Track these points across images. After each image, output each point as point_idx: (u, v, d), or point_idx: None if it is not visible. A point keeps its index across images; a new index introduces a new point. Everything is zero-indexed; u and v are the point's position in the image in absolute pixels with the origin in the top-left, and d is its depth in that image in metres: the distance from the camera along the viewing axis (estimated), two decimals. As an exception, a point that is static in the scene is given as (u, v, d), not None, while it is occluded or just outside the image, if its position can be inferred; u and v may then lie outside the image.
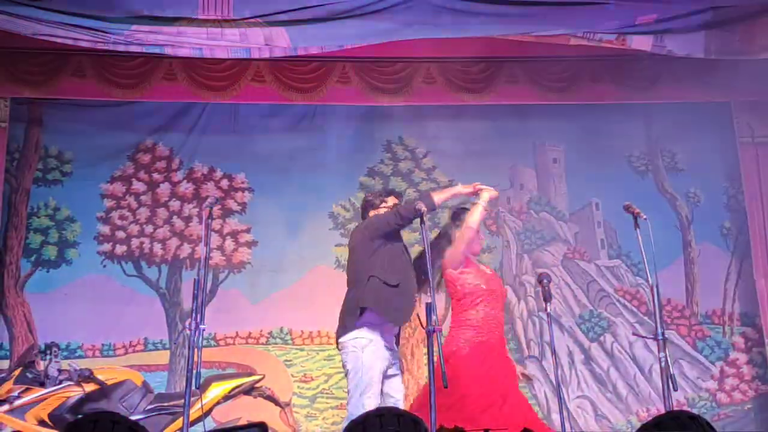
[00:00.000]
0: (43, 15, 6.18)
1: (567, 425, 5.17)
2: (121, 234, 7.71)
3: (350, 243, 5.65)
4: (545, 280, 5.40)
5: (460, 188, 5.74)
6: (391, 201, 5.69)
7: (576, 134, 8.24)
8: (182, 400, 5.00)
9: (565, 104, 8.04)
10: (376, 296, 5.29)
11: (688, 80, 7.72)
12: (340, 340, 5.40)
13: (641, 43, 6.74)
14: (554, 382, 5.37)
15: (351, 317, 5.35)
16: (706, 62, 7.08)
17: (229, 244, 7.78)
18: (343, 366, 5.41)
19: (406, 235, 7.78)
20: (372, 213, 5.69)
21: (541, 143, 8.30)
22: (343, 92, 7.85)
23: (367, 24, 6.46)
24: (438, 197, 5.56)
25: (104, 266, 7.65)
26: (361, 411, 5.01)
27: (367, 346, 5.24)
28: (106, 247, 7.68)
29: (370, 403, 5.12)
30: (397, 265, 5.42)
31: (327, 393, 7.55)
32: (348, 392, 5.34)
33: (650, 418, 3.33)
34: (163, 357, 7.52)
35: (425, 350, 5.85)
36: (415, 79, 7.82)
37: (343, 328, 5.39)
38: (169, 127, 7.97)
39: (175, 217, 7.81)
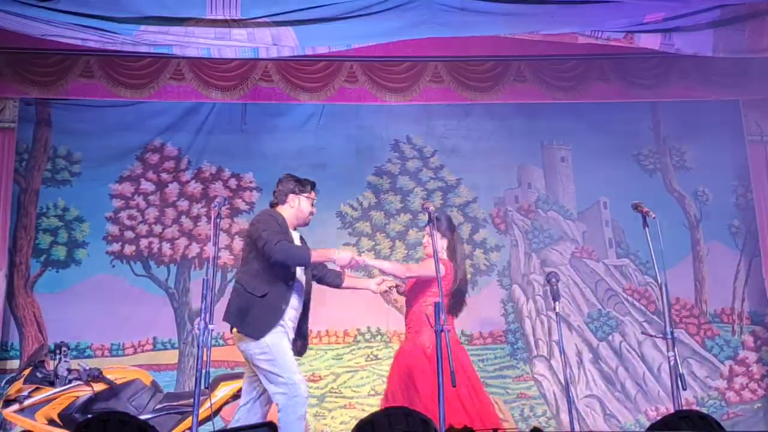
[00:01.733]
0: (52, 16, 6.20)
1: (576, 424, 5.18)
2: (129, 234, 7.73)
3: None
4: (553, 279, 5.40)
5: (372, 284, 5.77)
6: (313, 195, 5.62)
7: (584, 133, 8.23)
8: (191, 400, 5.02)
9: (573, 103, 8.03)
10: (237, 308, 5.20)
11: (697, 78, 7.72)
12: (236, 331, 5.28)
13: (649, 41, 6.72)
14: (563, 381, 5.38)
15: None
16: (715, 60, 7.07)
17: (238, 243, 7.80)
18: (247, 354, 5.24)
19: (413, 234, 7.82)
20: (290, 198, 5.50)
21: (548, 142, 8.29)
22: (351, 91, 7.87)
23: (374, 23, 6.46)
24: (347, 282, 5.71)
25: (113, 266, 7.67)
26: (300, 389, 5.06)
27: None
28: (115, 247, 7.70)
29: (302, 378, 5.16)
30: (273, 273, 5.25)
31: (336, 392, 7.55)
32: (271, 379, 5.14)
33: (659, 418, 3.32)
34: (172, 356, 7.54)
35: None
36: (422, 79, 7.83)
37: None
38: (178, 127, 7.99)
39: (183, 216, 7.83)
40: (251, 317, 5.18)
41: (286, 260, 5.22)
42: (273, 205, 5.57)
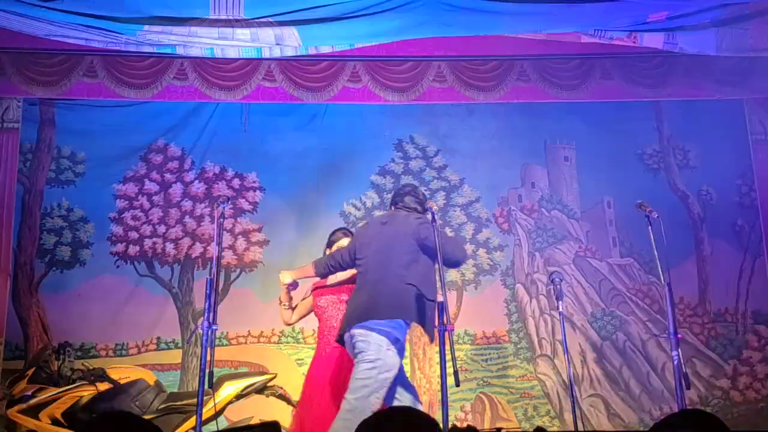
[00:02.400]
0: (56, 16, 6.21)
1: (579, 424, 5.17)
2: (133, 234, 7.73)
3: (407, 228, 5.12)
4: (557, 279, 5.40)
5: None
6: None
7: (587, 132, 8.22)
8: (195, 399, 5.03)
9: (576, 102, 8.02)
10: (417, 307, 4.90)
11: (700, 78, 7.71)
12: (367, 324, 4.87)
13: (652, 40, 6.72)
14: (566, 380, 5.37)
15: (387, 308, 4.93)
16: (718, 59, 7.06)
17: (241, 243, 7.80)
18: (356, 353, 4.90)
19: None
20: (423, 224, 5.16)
21: (552, 141, 8.29)
22: (354, 91, 7.88)
23: (377, 23, 6.46)
24: None
25: (117, 267, 7.68)
26: (367, 409, 4.66)
27: (393, 345, 4.88)
28: (119, 247, 7.71)
29: (377, 404, 4.78)
30: (433, 279, 5.09)
31: (339, 392, 7.55)
32: (354, 382, 4.82)
33: (663, 417, 3.32)
34: (175, 356, 7.55)
35: (437, 349, 5.81)
36: (425, 78, 7.82)
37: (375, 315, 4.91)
38: (181, 127, 8.00)
39: (187, 216, 7.84)
40: (428, 321, 4.92)
41: (464, 261, 5.36)
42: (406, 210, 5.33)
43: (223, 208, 5.12)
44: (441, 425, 4.17)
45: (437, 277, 4.96)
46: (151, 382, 6.10)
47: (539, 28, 6.64)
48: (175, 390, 7.09)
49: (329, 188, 7.97)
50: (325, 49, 6.71)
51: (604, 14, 6.56)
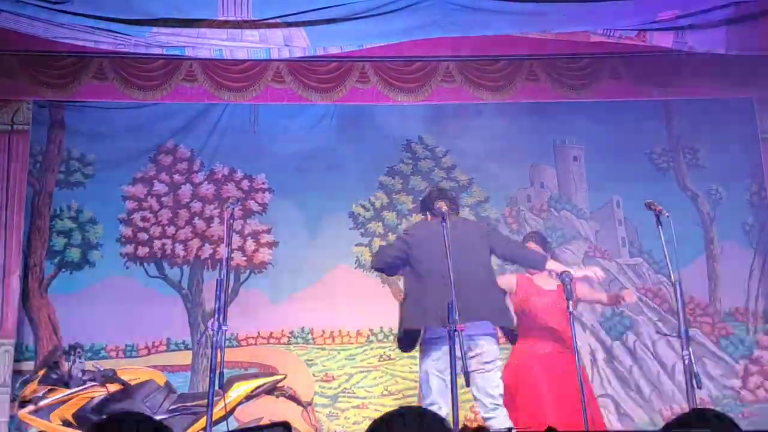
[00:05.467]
0: (64, 18, 6.23)
1: (590, 424, 5.15)
2: (143, 235, 7.75)
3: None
4: (567, 279, 5.38)
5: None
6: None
7: (596, 132, 8.20)
8: (205, 400, 5.04)
9: (585, 102, 8.00)
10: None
11: (710, 76, 7.68)
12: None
13: (662, 39, 6.70)
14: (576, 380, 5.35)
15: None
16: (728, 58, 7.03)
17: (250, 244, 7.81)
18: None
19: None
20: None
21: (561, 141, 8.28)
22: (363, 92, 7.87)
23: (386, 23, 6.46)
24: None
25: (127, 268, 7.70)
26: None
27: None
28: (129, 248, 7.73)
29: None
30: None
31: (348, 392, 7.56)
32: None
33: (674, 417, 3.31)
34: (185, 357, 7.57)
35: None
36: (434, 78, 7.82)
37: None
38: (190, 128, 8.02)
39: (196, 218, 7.85)
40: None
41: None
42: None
43: (233, 209, 5.13)
44: (451, 425, 4.17)
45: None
46: (162, 383, 6.10)
47: (548, 27, 6.63)
48: (186, 391, 7.11)
49: (338, 189, 7.97)
50: (334, 50, 6.72)
51: (614, 13, 6.55)
